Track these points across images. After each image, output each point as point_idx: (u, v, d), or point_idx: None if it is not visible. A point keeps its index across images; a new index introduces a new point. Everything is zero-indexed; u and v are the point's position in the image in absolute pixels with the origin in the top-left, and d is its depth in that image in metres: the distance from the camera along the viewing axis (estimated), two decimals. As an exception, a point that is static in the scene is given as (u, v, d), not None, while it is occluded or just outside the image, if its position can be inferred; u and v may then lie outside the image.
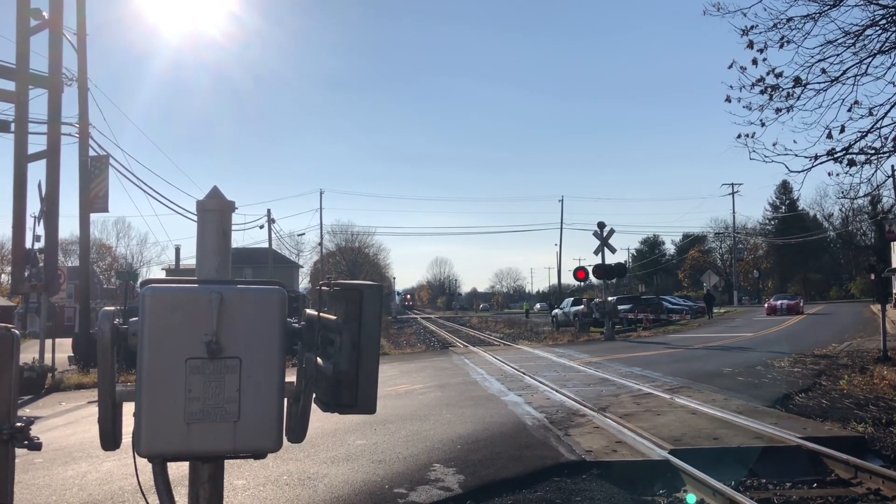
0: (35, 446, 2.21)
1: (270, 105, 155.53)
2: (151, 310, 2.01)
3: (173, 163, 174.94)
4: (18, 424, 2.14)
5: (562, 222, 74.82)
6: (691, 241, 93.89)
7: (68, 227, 78.97)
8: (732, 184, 69.83)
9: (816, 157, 9.87)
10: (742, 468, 6.97)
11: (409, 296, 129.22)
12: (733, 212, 72.57)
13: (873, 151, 9.92)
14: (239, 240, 58.40)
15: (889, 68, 9.79)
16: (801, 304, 45.29)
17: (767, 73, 9.86)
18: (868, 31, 9.61)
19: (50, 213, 3.87)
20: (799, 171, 10.11)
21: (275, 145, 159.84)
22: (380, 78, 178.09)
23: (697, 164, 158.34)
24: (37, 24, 3.94)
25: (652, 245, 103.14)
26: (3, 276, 64.66)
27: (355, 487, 6.31)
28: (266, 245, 56.68)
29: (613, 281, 38.45)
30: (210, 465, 2.18)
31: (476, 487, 6.27)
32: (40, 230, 17.12)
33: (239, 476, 6.61)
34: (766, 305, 46.40)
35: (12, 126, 3.83)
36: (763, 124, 10.01)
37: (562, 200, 75.92)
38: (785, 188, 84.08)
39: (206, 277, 2.23)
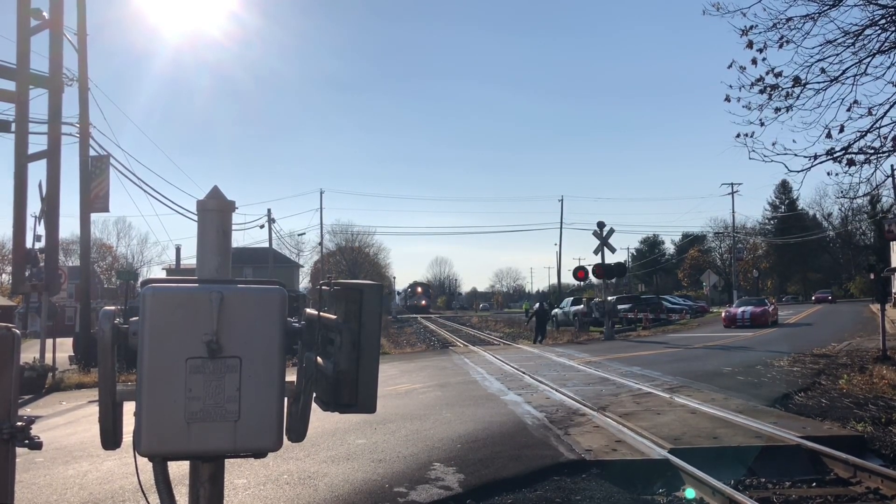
0: (36, 445, 2.21)
1: (271, 105, 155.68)
2: (152, 309, 2.02)
3: (173, 163, 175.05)
4: (19, 424, 2.15)
5: (561, 222, 74.89)
6: (691, 241, 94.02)
7: (69, 226, 79.13)
8: (732, 183, 69.77)
9: (816, 157, 9.87)
10: (741, 467, 6.97)
11: (419, 288, 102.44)
12: (733, 211, 72.57)
13: (872, 151, 9.92)
14: (239, 240, 58.49)
15: (888, 68, 9.80)
16: (774, 312, 34.60)
17: (767, 73, 9.86)
18: (867, 31, 9.62)
19: (50, 212, 3.87)
20: (798, 171, 10.12)
21: (275, 145, 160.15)
22: (380, 78, 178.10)
23: (697, 164, 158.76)
24: (37, 24, 3.94)
25: (652, 245, 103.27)
26: (3, 275, 64.70)
27: (355, 486, 6.31)
28: (266, 245, 56.68)
29: (613, 280, 38.42)
30: (210, 464, 2.19)
31: (476, 486, 6.27)
32: (41, 230, 17.12)
33: (239, 475, 6.61)
34: (723, 314, 35.94)
35: (13, 126, 3.84)
36: (762, 124, 10.01)
37: (561, 200, 76.00)
38: (784, 188, 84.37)
39: (206, 277, 2.23)
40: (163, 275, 63.82)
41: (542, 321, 30.83)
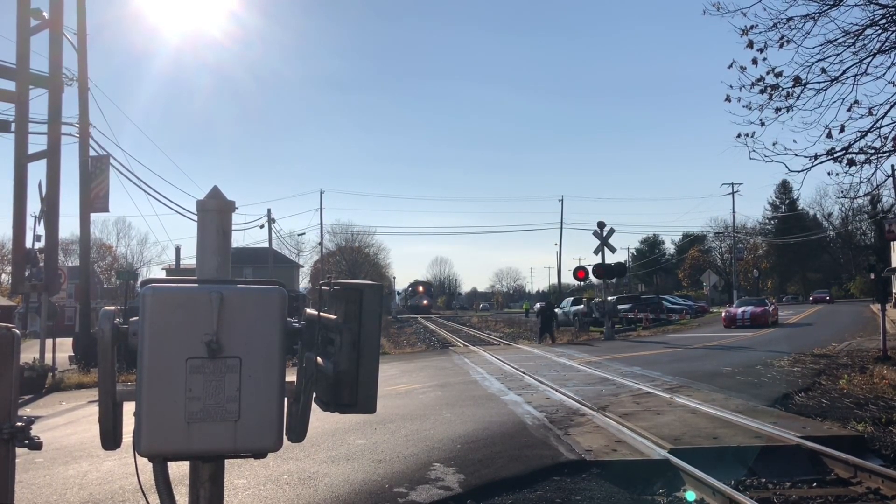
0: (35, 446, 2.21)
1: (271, 105, 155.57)
2: (152, 309, 2.02)
3: (173, 163, 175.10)
4: (19, 424, 2.15)
5: (562, 222, 74.86)
6: (691, 241, 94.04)
7: (68, 226, 79.08)
8: (732, 183, 69.75)
9: (816, 157, 9.86)
10: (742, 467, 6.97)
11: (421, 287, 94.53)
12: (733, 211, 72.56)
13: (873, 151, 9.91)
14: (239, 240, 58.41)
15: (889, 68, 9.79)
16: (774, 312, 34.55)
17: (767, 73, 9.85)
18: (868, 31, 9.61)
19: (50, 212, 3.87)
20: (799, 171, 10.11)
21: (275, 145, 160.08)
22: (380, 78, 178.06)
23: (697, 164, 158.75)
24: (37, 24, 3.94)
25: (652, 245, 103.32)
26: (3, 275, 64.69)
27: (355, 487, 6.31)
28: (266, 245, 56.67)
29: (613, 280, 38.39)
30: (210, 464, 2.19)
31: (476, 487, 6.27)
32: (41, 230, 17.12)
33: (239, 475, 6.61)
34: (723, 314, 35.77)
35: (13, 126, 3.83)
36: (763, 124, 10.00)
37: (562, 200, 75.97)
38: (785, 188, 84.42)
39: (206, 277, 2.23)
40: (163, 275, 63.83)
41: (548, 321, 30.22)
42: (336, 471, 6.90)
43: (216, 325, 2.03)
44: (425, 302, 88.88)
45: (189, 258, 60.03)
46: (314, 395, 2.27)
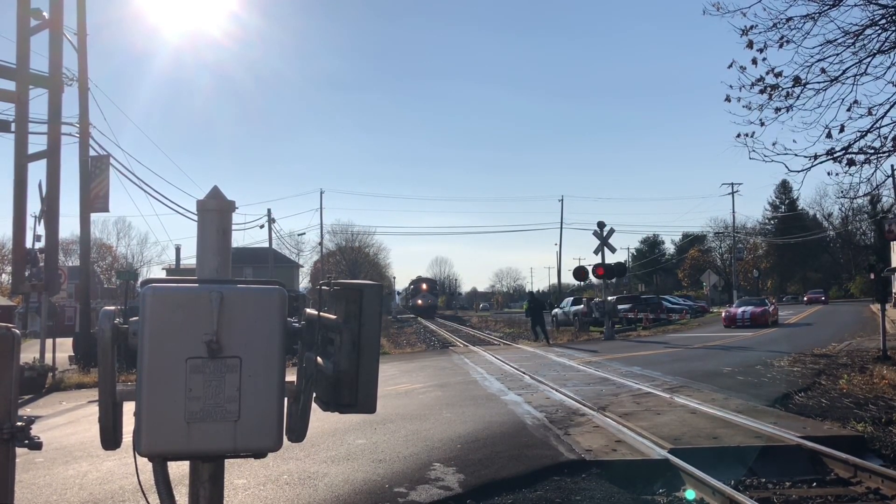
0: (36, 445, 2.21)
1: (271, 105, 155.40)
2: (152, 309, 2.02)
3: (173, 163, 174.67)
4: (19, 424, 2.15)
5: (562, 222, 74.90)
6: (691, 241, 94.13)
7: (69, 226, 79.06)
8: (732, 183, 69.82)
9: (816, 157, 9.87)
10: (741, 467, 6.97)
11: (425, 284, 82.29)
12: (733, 211, 72.64)
13: (873, 151, 9.92)
14: (239, 239, 58.39)
15: (888, 68, 9.79)
16: (774, 312, 34.46)
17: (767, 73, 9.86)
18: (868, 31, 9.62)
19: (50, 212, 3.87)
20: (798, 171, 10.12)
21: (275, 145, 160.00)
22: (380, 78, 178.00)
23: (697, 164, 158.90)
24: (37, 24, 3.94)
25: (652, 245, 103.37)
26: (3, 275, 64.70)
27: (355, 486, 6.31)
28: (266, 245, 56.70)
29: (613, 280, 38.35)
30: (210, 464, 2.19)
31: (476, 486, 6.27)
32: (41, 230, 17.13)
33: (239, 475, 6.61)
34: (723, 314, 35.77)
35: (13, 126, 3.83)
36: (763, 124, 10.01)
37: (562, 200, 76.12)
38: (784, 188, 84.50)
39: (206, 277, 2.23)
40: (163, 275, 63.82)
41: (538, 316, 29.27)
42: (336, 471, 6.90)
43: (216, 325, 2.03)
44: (429, 301, 79.06)
45: (189, 258, 60.19)
46: (314, 395, 2.27)
